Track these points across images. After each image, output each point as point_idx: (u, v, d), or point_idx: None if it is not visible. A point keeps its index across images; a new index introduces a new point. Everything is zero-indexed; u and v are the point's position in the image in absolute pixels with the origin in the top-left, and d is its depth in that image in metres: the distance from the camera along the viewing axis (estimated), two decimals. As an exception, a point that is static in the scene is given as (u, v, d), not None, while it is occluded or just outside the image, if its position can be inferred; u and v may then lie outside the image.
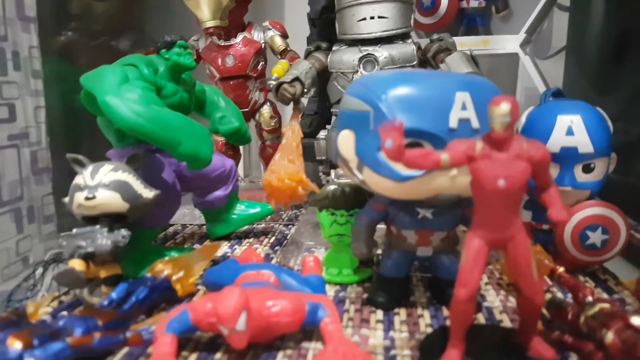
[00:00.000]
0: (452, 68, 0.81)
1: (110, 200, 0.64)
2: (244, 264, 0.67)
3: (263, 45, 1.11)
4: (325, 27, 1.49)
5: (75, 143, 1.21)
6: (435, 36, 0.90)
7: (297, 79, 0.88)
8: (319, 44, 0.98)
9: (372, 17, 0.86)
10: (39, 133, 1.11)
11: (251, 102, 1.13)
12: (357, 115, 0.58)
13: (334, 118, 0.93)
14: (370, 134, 0.57)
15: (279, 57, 1.12)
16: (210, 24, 1.03)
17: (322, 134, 0.93)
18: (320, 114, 1.48)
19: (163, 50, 0.80)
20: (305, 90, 0.89)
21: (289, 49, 1.11)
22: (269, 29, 1.12)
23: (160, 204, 0.71)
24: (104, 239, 0.64)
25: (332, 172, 0.91)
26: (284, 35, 1.13)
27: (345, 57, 0.88)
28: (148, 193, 0.68)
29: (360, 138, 0.59)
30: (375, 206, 0.66)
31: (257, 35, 1.11)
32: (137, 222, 0.69)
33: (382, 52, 0.86)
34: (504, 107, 0.45)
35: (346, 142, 0.61)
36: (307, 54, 0.97)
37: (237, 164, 1.22)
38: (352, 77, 0.87)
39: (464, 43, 1.00)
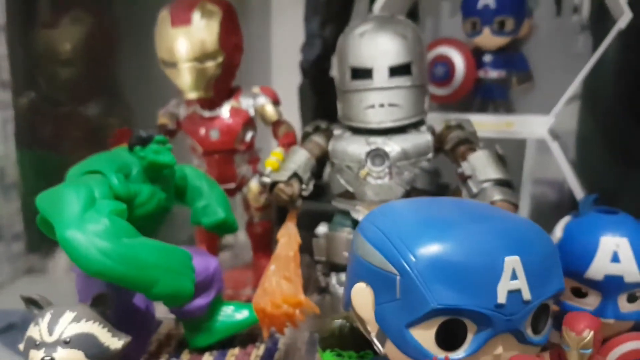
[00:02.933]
0: (477, 171, 0.70)
1: (71, 361, 0.52)
2: None
3: (252, 114, 0.99)
4: (318, 77, 1.39)
5: (44, 157, 1.10)
6: (453, 122, 0.79)
7: (294, 174, 0.76)
8: (318, 124, 0.86)
9: (381, 105, 0.75)
10: (7, 147, 1.01)
11: (238, 177, 1.01)
12: (378, 272, 0.47)
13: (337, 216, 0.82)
14: (397, 303, 0.45)
15: (271, 127, 1.00)
16: (192, 95, 0.90)
17: (321, 229, 0.82)
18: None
19: (137, 147, 0.68)
20: (304, 186, 0.77)
21: (282, 119, 0.99)
22: (259, 96, 1.00)
23: (132, 341, 0.59)
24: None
25: (333, 276, 0.79)
26: (276, 102, 1.01)
27: (351, 149, 0.77)
28: (117, 343, 0.55)
29: (381, 301, 0.47)
30: None
31: (245, 103, 0.99)
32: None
33: (393, 146, 0.74)
34: (586, 335, 0.35)
35: (362, 298, 0.48)
36: (305, 137, 0.86)
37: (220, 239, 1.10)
38: (358, 171, 0.76)
39: (484, 123, 0.89)
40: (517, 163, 1.01)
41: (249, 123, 0.99)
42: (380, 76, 0.74)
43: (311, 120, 1.39)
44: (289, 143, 0.91)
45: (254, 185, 1.02)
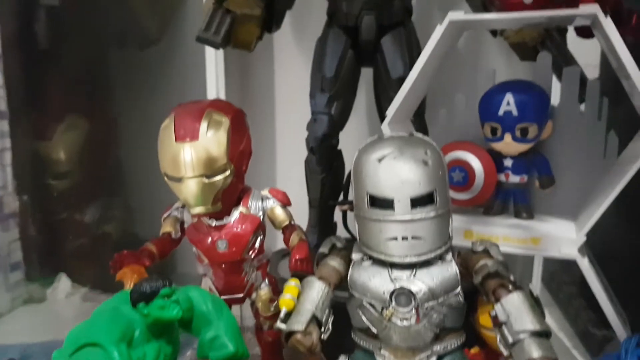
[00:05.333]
0: (512, 317, 0.64)
1: None
2: None
3: (262, 218, 0.93)
4: (325, 153, 1.35)
5: (44, 185, 1.06)
6: (479, 246, 0.73)
7: (312, 318, 0.70)
8: (333, 242, 0.81)
9: (404, 238, 0.69)
10: (5, 176, 1.02)
11: (247, 285, 0.95)
12: None
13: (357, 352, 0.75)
14: None
15: (281, 232, 0.94)
16: (198, 211, 0.85)
17: (342, 362, 0.76)
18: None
19: (141, 303, 0.62)
20: (323, 329, 0.71)
21: (292, 223, 0.94)
22: (269, 199, 0.94)
23: None
24: None
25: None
26: (286, 205, 0.95)
27: (372, 284, 0.71)
28: None
29: None
30: None
31: (254, 207, 0.93)
32: None
33: (419, 285, 0.68)
34: None
35: None
36: (320, 259, 0.80)
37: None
38: (382, 311, 0.70)
39: (510, 239, 0.84)
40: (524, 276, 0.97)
41: (259, 228, 0.94)
42: (402, 207, 0.69)
43: (319, 194, 1.35)
44: (302, 259, 0.85)
45: (263, 293, 0.96)
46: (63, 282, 1.20)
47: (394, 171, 0.69)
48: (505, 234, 0.85)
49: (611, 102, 0.89)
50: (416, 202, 0.69)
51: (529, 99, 0.85)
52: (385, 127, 0.91)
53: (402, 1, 1.18)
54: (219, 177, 0.84)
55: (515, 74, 0.99)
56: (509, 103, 0.84)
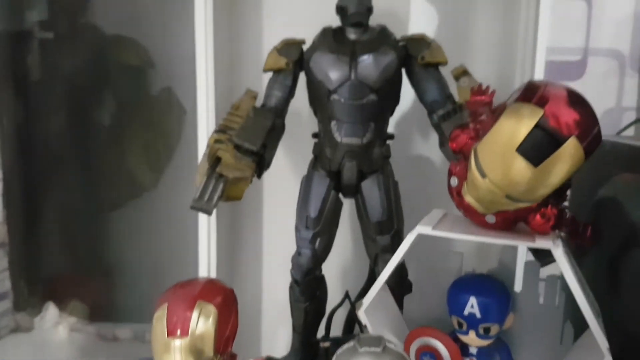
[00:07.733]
0: None
1: None
2: None
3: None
4: (309, 285, 1.41)
5: (33, 215, 1.10)
6: None
7: None
8: None
9: None
10: None
11: None
12: None
13: None
14: None
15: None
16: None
17: None
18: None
19: None
20: None
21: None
22: (254, 366, 1.01)
23: None
24: None
25: None
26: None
27: None
28: None
29: None
30: None
31: (240, 365, 1.00)
32: None
33: None
34: None
35: None
36: None
37: None
38: None
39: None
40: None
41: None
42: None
43: (302, 320, 1.41)
44: None
45: None
46: (51, 312, 1.25)
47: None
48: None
49: (568, 296, 0.98)
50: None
51: (491, 303, 0.94)
52: (361, 314, 0.98)
53: (381, 150, 1.28)
54: (205, 367, 0.91)
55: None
56: (472, 306, 0.93)
